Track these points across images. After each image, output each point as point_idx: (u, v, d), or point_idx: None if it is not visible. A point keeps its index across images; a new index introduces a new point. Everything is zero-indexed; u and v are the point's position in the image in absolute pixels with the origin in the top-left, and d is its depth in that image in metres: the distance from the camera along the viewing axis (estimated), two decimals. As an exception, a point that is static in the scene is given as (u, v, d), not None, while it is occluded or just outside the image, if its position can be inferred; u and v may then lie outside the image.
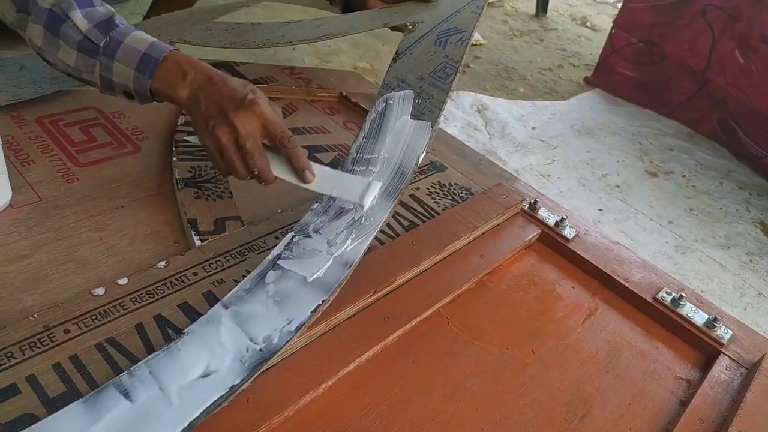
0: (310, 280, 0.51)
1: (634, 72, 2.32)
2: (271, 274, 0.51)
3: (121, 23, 0.62)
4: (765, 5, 1.95)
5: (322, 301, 0.49)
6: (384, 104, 0.66)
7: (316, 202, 0.58)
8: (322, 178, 0.59)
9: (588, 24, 3.09)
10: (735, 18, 2.03)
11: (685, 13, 2.17)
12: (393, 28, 0.81)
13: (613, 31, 2.37)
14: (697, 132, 2.13)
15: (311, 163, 0.59)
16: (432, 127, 0.62)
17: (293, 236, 0.55)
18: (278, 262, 0.52)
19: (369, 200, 0.57)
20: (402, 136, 0.63)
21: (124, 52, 0.60)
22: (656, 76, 2.27)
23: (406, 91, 0.67)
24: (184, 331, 0.45)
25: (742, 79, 2.02)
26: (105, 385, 0.41)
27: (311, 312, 0.48)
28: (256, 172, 0.58)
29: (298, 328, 0.46)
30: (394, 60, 0.70)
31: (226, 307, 0.48)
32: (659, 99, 2.25)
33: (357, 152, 0.62)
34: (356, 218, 0.56)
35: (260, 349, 0.45)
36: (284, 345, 0.45)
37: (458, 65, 0.67)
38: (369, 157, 0.62)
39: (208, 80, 0.59)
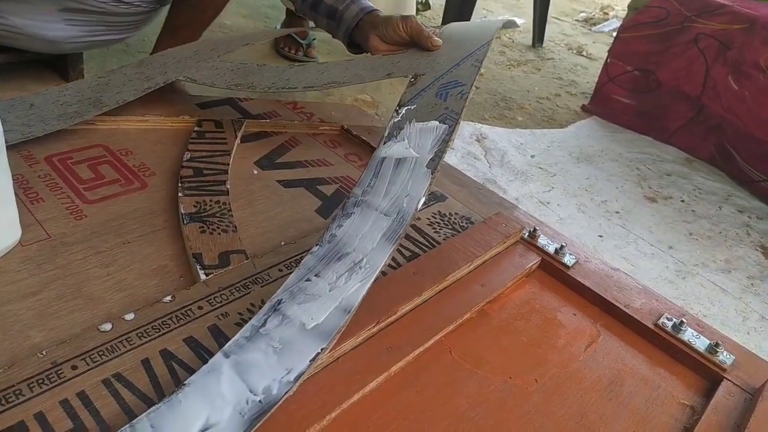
0: (310, 327, 0.51)
1: (631, 99, 2.35)
2: (271, 321, 0.51)
3: None
4: (755, 33, 1.99)
5: (321, 349, 0.49)
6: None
7: (317, 245, 0.59)
8: None
9: (584, 53, 3.15)
10: (727, 46, 2.07)
11: (678, 42, 2.21)
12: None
13: (608, 60, 2.41)
14: (695, 157, 2.15)
15: None
16: (432, 174, 0.63)
17: (294, 281, 0.55)
18: (278, 307, 0.52)
19: None
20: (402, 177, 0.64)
21: None
22: (652, 103, 2.30)
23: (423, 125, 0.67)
24: (185, 382, 0.45)
25: (737, 104, 2.05)
26: None
27: (310, 361, 0.48)
28: None
29: (297, 378, 0.47)
30: (396, 112, 0.71)
31: (226, 356, 0.48)
32: (656, 125, 2.28)
33: (362, 194, 0.63)
34: (356, 261, 0.57)
35: (259, 401, 0.45)
36: (283, 395, 0.46)
37: (458, 117, 0.68)
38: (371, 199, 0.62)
39: None
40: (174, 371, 0.49)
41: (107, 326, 0.51)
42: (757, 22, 2.00)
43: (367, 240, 0.58)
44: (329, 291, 0.53)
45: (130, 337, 0.51)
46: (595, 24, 3.83)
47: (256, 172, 0.81)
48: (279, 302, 0.53)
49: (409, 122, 0.69)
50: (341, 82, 0.82)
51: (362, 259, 0.56)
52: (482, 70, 2.55)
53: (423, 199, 0.61)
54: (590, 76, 2.71)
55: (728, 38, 2.07)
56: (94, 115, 0.80)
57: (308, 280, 0.55)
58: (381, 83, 2.00)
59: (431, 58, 0.82)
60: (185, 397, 0.44)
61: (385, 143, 0.67)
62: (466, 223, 0.79)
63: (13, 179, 0.59)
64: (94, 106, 0.81)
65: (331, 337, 0.50)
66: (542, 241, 0.75)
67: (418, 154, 0.65)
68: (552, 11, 3.24)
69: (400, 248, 0.70)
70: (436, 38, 0.84)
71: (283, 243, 0.68)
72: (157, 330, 0.52)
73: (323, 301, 0.53)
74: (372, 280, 0.54)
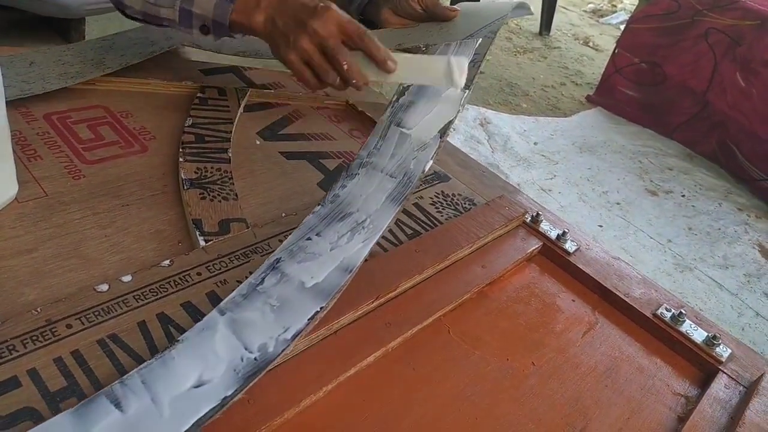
0: (309, 285, 0.50)
1: (636, 92, 2.34)
2: (269, 279, 0.50)
3: None
4: (767, 31, 1.97)
5: (320, 308, 0.48)
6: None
7: (319, 204, 0.57)
8: (404, 66, 0.62)
9: (591, 44, 3.12)
10: (737, 42, 2.05)
11: (688, 36, 2.19)
12: (405, 50, 0.81)
13: (616, 51, 2.39)
14: (697, 153, 2.15)
15: (390, 52, 0.62)
16: (440, 138, 0.62)
17: (294, 240, 0.54)
18: (277, 265, 0.51)
19: (462, 78, 0.60)
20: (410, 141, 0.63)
21: None
22: (657, 96, 2.29)
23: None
24: (179, 338, 0.44)
25: (743, 102, 2.04)
26: (96, 395, 0.40)
27: (308, 320, 0.47)
28: (345, 68, 0.62)
29: (294, 337, 0.46)
30: None
31: (222, 313, 0.47)
32: (660, 119, 2.27)
33: (367, 156, 0.62)
34: (359, 221, 0.55)
35: (255, 359, 0.44)
36: (280, 353, 0.45)
37: (470, 84, 0.67)
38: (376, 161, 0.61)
39: (280, 1, 0.65)
40: (171, 335, 0.48)
41: (104, 287, 0.51)
42: (769, 19, 1.98)
43: (371, 201, 0.57)
44: (330, 250, 0.52)
45: (126, 299, 0.50)
46: (603, 15, 3.80)
47: (258, 142, 0.80)
48: (278, 261, 0.52)
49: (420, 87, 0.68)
50: None
51: (365, 220, 0.55)
52: (488, 56, 2.54)
53: (431, 162, 0.60)
54: (596, 67, 2.69)
55: (739, 34, 2.06)
56: (95, 76, 0.78)
57: (309, 239, 0.54)
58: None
59: (444, 30, 0.80)
60: (178, 354, 0.43)
61: (393, 106, 0.66)
62: (468, 204, 0.78)
63: (11, 136, 0.58)
64: (96, 68, 0.80)
65: (330, 295, 0.49)
66: (544, 226, 0.75)
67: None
68: (560, 0, 3.21)
69: (401, 225, 0.70)
70: (454, 7, 0.83)
71: (284, 214, 0.67)
72: (155, 293, 0.51)
73: (323, 260, 0.52)
74: (375, 240, 0.54)
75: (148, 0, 0.68)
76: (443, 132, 0.62)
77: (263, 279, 0.50)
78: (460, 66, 0.60)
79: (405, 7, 0.84)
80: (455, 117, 0.64)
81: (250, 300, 0.48)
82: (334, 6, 0.64)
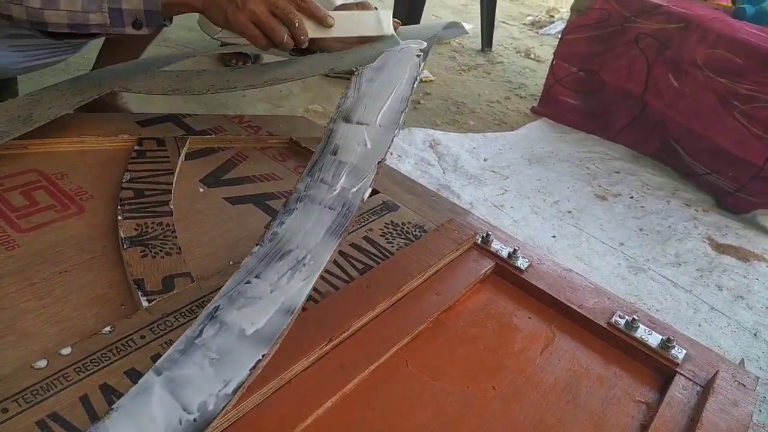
0: (250, 333, 0.48)
1: (577, 100, 2.41)
2: (208, 330, 0.48)
3: None
4: (691, 32, 2.07)
5: (262, 356, 0.46)
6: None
7: (257, 245, 0.56)
8: (340, 22, 0.75)
9: (532, 56, 3.21)
10: (666, 45, 2.14)
11: (619, 42, 2.28)
12: (340, 73, 0.83)
13: (554, 62, 2.46)
14: (642, 154, 2.22)
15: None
16: (378, 163, 0.62)
17: (232, 284, 0.52)
18: (216, 314, 0.49)
19: (390, 26, 0.77)
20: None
21: None
22: (598, 102, 2.36)
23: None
24: (113, 406, 0.42)
25: (678, 101, 2.12)
26: None
27: (250, 370, 0.45)
28: (297, 25, 0.70)
29: (235, 390, 0.44)
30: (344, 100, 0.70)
31: (158, 373, 0.45)
32: (603, 124, 2.34)
33: (304, 189, 0.61)
34: (299, 259, 0.54)
35: (194, 420, 0.42)
36: (221, 410, 0.43)
37: (406, 103, 0.68)
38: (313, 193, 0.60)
39: None
40: (115, 407, 0.47)
41: (42, 363, 0.48)
42: (691, 21, 2.07)
43: (310, 236, 0.55)
44: (270, 292, 0.50)
45: (66, 373, 0.48)
46: (541, 27, 3.92)
47: (201, 190, 0.78)
48: (216, 309, 0.50)
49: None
50: (283, 78, 0.80)
51: (306, 256, 0.53)
52: (433, 77, 2.57)
53: (369, 190, 0.59)
54: (538, 79, 2.76)
55: (666, 37, 2.15)
56: (23, 132, 0.75)
57: (248, 282, 0.52)
58: (332, 93, 1.99)
59: (377, 53, 0.81)
60: (113, 424, 0.41)
61: (329, 135, 0.66)
62: (419, 231, 0.78)
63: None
64: (24, 124, 0.77)
65: (272, 341, 0.47)
66: (495, 245, 0.75)
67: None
68: (499, 15, 3.30)
69: (351, 261, 0.69)
70: None
71: (231, 263, 0.65)
72: (96, 363, 0.49)
73: (264, 304, 0.49)
74: (316, 277, 0.52)
75: (74, 9, 0.70)
76: (381, 158, 0.62)
77: (201, 331, 0.48)
78: (387, 17, 0.75)
79: None
80: (391, 143, 0.64)
81: (188, 355, 0.46)
82: None
